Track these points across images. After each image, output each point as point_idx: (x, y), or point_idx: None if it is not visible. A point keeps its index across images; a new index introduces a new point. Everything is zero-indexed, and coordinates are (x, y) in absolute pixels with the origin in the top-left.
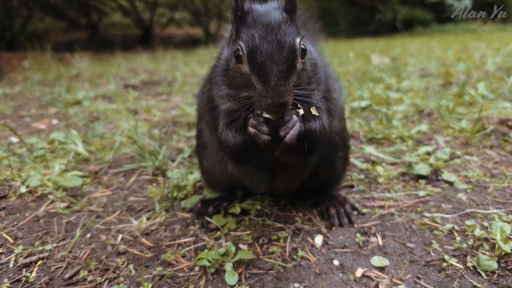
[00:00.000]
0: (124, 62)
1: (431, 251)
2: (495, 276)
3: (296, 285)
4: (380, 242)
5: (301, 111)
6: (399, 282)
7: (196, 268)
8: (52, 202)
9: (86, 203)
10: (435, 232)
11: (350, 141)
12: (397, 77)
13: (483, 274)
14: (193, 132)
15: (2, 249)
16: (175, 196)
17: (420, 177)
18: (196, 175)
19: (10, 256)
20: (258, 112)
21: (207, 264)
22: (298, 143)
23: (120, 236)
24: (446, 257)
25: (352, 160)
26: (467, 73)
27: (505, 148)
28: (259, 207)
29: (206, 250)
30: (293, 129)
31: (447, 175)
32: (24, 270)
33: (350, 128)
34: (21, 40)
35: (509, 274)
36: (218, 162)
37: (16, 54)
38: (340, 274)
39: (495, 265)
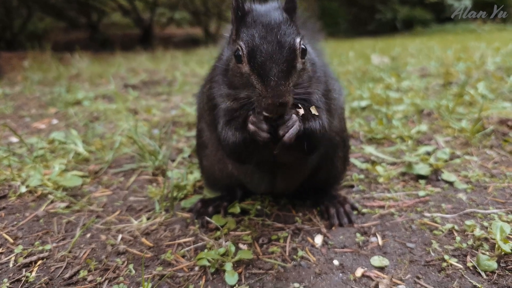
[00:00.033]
0: (124, 62)
1: (431, 251)
2: (495, 276)
3: (296, 285)
4: (380, 242)
5: (301, 111)
6: (399, 282)
7: (196, 268)
8: (52, 202)
9: (86, 203)
10: (435, 232)
11: (350, 141)
12: (397, 77)
13: (483, 274)
14: (193, 132)
15: (2, 249)
16: (175, 196)
17: (420, 177)
18: (196, 175)
19: (10, 256)
20: (259, 111)
21: (207, 264)
22: (297, 142)
23: (120, 236)
24: (446, 257)
25: (352, 160)
26: (467, 73)
27: (505, 148)
28: (259, 207)
29: (206, 250)
30: (292, 129)
31: (447, 175)
32: (24, 270)
33: (350, 128)
34: (21, 40)
35: (509, 274)
36: (218, 162)
37: (16, 54)
38: (340, 274)
39: (495, 265)
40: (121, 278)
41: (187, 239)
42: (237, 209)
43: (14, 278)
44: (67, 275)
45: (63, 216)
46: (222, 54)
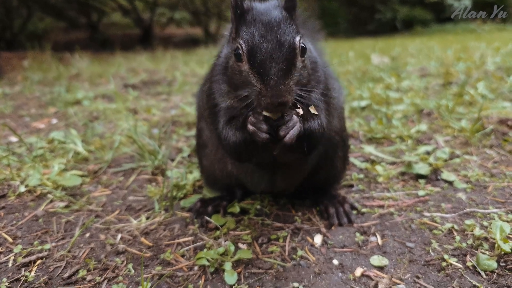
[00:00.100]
0: (123, 61)
1: (430, 251)
2: (494, 276)
3: (296, 284)
4: (380, 242)
5: (301, 111)
6: (398, 281)
7: (195, 268)
8: (51, 201)
9: (85, 203)
10: (435, 231)
11: (350, 141)
12: (397, 77)
13: (482, 273)
14: (193, 132)
15: (1, 249)
16: (175, 195)
17: (419, 176)
18: (196, 174)
19: (9, 256)
20: (258, 110)
21: (206, 263)
22: (297, 142)
23: (119, 236)
24: (446, 256)
25: (352, 159)
26: (466, 73)
27: (505, 148)
28: (258, 207)
29: (205, 250)
30: (293, 130)
31: (446, 175)
32: (23, 269)
33: (349, 127)
34: (21, 40)
35: (509, 273)
36: (217, 161)
37: (16, 54)
38: (340, 274)
39: (495, 265)
40: (120, 278)
41: (186, 239)
42: (236, 209)
43: (13, 278)
44: (66, 275)
45: (62, 216)
46: (221, 52)
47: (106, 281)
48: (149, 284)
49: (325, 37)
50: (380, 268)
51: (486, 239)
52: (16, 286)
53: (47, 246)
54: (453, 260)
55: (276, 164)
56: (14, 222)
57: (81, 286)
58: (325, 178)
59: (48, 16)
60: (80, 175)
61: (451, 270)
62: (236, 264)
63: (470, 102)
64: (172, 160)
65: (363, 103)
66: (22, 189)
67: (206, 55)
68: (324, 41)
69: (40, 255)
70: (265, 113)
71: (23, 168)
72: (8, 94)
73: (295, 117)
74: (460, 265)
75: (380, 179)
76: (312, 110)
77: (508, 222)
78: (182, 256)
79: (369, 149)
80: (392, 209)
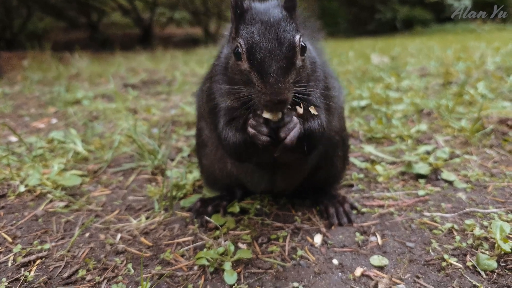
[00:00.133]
0: (123, 61)
1: (430, 251)
2: (494, 275)
3: (295, 284)
4: (380, 241)
5: (300, 110)
6: (398, 281)
7: (195, 267)
8: (51, 201)
9: (85, 202)
10: (435, 231)
11: (350, 140)
12: (397, 77)
13: (482, 273)
14: (193, 131)
15: (1, 248)
16: (174, 195)
17: (419, 176)
18: (195, 174)
19: (8, 255)
20: (258, 112)
21: (206, 263)
22: (297, 143)
23: (119, 235)
24: (446, 256)
25: (352, 159)
26: (466, 73)
27: (505, 148)
28: (258, 206)
29: (205, 249)
30: (293, 131)
31: (446, 174)
32: (22, 269)
33: (349, 127)
34: (20, 40)
35: (509, 273)
36: (217, 161)
37: (16, 54)
38: (340, 274)
39: (495, 264)
40: (120, 278)
41: (186, 239)
42: (236, 209)
43: (12, 278)
44: (65, 275)
45: (62, 216)
46: (221, 52)
47: (105, 281)
48: (149, 284)
49: (325, 37)
50: (380, 268)
51: (486, 239)
52: (16, 286)
53: (47, 246)
54: (453, 260)
55: (276, 164)
56: (14, 221)
57: (81, 286)
58: (325, 178)
59: (48, 16)
60: (80, 175)
61: (451, 270)
62: (236, 264)
63: (470, 102)
64: (172, 159)
65: (363, 103)
66: (22, 188)
67: (206, 55)
68: (324, 41)
69: (40, 255)
70: (265, 115)
71: (22, 168)
72: (8, 94)
73: (295, 118)
74: (460, 265)
75: (380, 179)
76: (312, 110)
77: (508, 222)
78: (182, 256)
79: (369, 148)
80: (392, 209)
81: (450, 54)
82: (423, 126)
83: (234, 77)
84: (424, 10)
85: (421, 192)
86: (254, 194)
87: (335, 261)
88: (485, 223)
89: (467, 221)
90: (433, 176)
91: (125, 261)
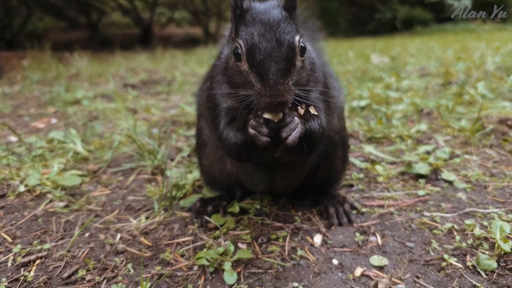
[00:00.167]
0: (123, 61)
1: (430, 251)
2: (494, 276)
3: (295, 284)
4: (380, 241)
5: (302, 111)
6: (398, 281)
7: (195, 267)
8: (50, 201)
9: (85, 202)
10: (435, 231)
11: (350, 140)
12: (397, 77)
13: (482, 273)
14: (192, 131)
15: (1, 248)
16: (174, 195)
17: (419, 176)
18: (195, 174)
19: (8, 255)
20: (259, 113)
21: (206, 263)
22: (298, 143)
23: (118, 235)
24: (446, 256)
25: (352, 159)
26: (466, 73)
27: (505, 148)
28: (258, 206)
29: (205, 249)
30: (295, 131)
31: (446, 174)
32: (22, 269)
33: (349, 127)
34: (20, 39)
35: (509, 273)
36: (217, 161)
37: (16, 53)
38: (339, 274)
39: (495, 264)
40: (119, 278)
41: (186, 239)
42: (236, 209)
43: (12, 278)
44: (65, 275)
45: (62, 216)
46: (221, 52)
47: (105, 281)
48: (149, 284)
49: (325, 37)
50: (380, 268)
51: (486, 239)
52: (15, 286)
53: (47, 245)
54: (453, 260)
55: (275, 164)
56: (14, 221)
57: (80, 286)
58: (325, 178)
59: (48, 16)
60: (80, 174)
61: (451, 270)
62: (236, 264)
63: (470, 102)
64: (172, 159)
65: (363, 103)
66: (22, 188)
67: (206, 55)
68: (324, 41)
69: (40, 254)
70: (265, 115)
71: (22, 167)
72: (8, 94)
73: (296, 118)
74: (460, 265)
75: (380, 179)
76: (312, 110)
77: (508, 222)
78: (182, 256)
79: (369, 148)
80: (392, 209)
81: (450, 54)
82: (423, 126)
83: (234, 77)
84: (424, 10)
85: (421, 192)
86: (254, 194)
87: (335, 261)
88: (485, 223)
89: (467, 221)
90: (433, 176)
91: (125, 261)
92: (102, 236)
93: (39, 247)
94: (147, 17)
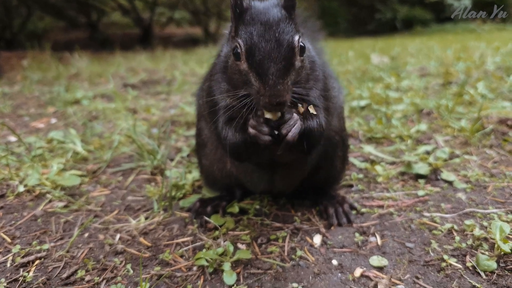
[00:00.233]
0: (123, 61)
1: (430, 251)
2: (494, 276)
3: (295, 285)
4: (379, 242)
5: (301, 109)
6: (398, 282)
7: (194, 268)
8: (50, 201)
9: (84, 203)
10: (434, 231)
11: (349, 140)
12: (397, 77)
13: (482, 274)
14: (192, 131)
15: (0, 249)
16: (174, 195)
17: (419, 176)
18: (195, 174)
19: (7, 256)
20: (258, 113)
21: (205, 263)
22: (297, 141)
23: (118, 236)
24: (445, 257)
25: (351, 159)
26: (466, 73)
27: (505, 148)
28: (257, 207)
29: (204, 250)
30: (294, 128)
31: (446, 175)
32: (21, 269)
33: (349, 127)
34: (20, 39)
35: (509, 274)
36: (217, 161)
37: (15, 53)
38: (339, 274)
39: (495, 265)
40: (119, 278)
41: (185, 239)
42: (235, 209)
43: (11, 278)
44: (64, 275)
45: (61, 216)
46: (221, 51)
47: (104, 281)
48: (148, 285)
49: (325, 37)
50: (380, 269)
51: (485, 239)
52: (15, 287)
53: (46, 246)
54: (452, 261)
55: (275, 164)
56: (13, 222)
57: (80, 286)
58: (325, 178)
59: (48, 16)
60: (79, 175)
61: (450, 271)
62: (235, 264)
63: (470, 102)
64: (171, 160)
65: (363, 103)
66: (21, 189)
67: (206, 55)
68: (324, 41)
69: (39, 255)
70: (266, 116)
71: (22, 167)
72: (7, 94)
73: (295, 115)
74: (459, 266)
75: (380, 179)
76: (311, 109)
77: (508, 222)
78: (181, 256)
79: (369, 149)
80: (391, 209)
81: (450, 54)
82: (423, 126)
83: (233, 76)
84: (424, 10)
85: (420, 193)
86: (253, 194)
87: (334, 262)
88: (485, 223)
89: (467, 222)
90: (432, 176)
91: (124, 262)
92: (101, 237)
93: (38, 247)
94: (147, 17)
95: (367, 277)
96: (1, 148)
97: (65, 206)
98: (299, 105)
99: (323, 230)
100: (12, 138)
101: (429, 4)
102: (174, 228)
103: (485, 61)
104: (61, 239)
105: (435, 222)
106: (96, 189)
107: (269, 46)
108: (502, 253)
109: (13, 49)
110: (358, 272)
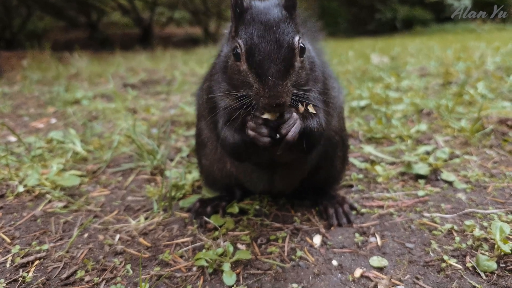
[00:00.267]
0: (123, 61)
1: (430, 251)
2: (494, 277)
3: (295, 285)
4: (379, 242)
5: (301, 108)
6: (398, 282)
7: (194, 268)
8: (49, 201)
9: (84, 203)
10: (434, 232)
11: (349, 141)
12: (397, 77)
13: (482, 274)
14: (192, 132)
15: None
16: (173, 195)
17: (419, 176)
18: (195, 174)
19: (7, 256)
20: (257, 114)
21: (205, 264)
22: (297, 140)
23: (117, 236)
24: (445, 257)
25: (351, 159)
26: (466, 73)
27: (505, 148)
28: (257, 207)
29: (204, 250)
30: (294, 127)
31: (446, 175)
32: (21, 270)
33: (349, 127)
34: (20, 39)
35: (509, 274)
36: (217, 161)
37: (15, 53)
38: (339, 275)
39: (495, 266)
40: (118, 279)
41: (185, 239)
42: (235, 209)
43: (11, 278)
44: (64, 275)
45: (61, 216)
46: (222, 51)
47: (104, 282)
48: (148, 285)
49: (325, 37)
50: (380, 269)
51: (486, 239)
52: (14, 287)
53: (45, 246)
54: (452, 261)
55: (275, 164)
56: (13, 222)
57: (79, 287)
58: (325, 178)
59: (48, 15)
60: (79, 175)
61: (450, 271)
62: (235, 264)
63: (469, 102)
64: (171, 160)
65: (363, 103)
66: (21, 189)
67: (206, 55)
68: (324, 41)
69: (38, 255)
70: (263, 115)
71: (21, 168)
72: (7, 94)
73: (295, 114)
74: (460, 266)
75: (380, 179)
76: (311, 109)
77: (508, 222)
78: (181, 256)
79: (369, 149)
80: (391, 210)
81: (450, 54)
82: (423, 126)
83: (233, 77)
84: (424, 10)
85: (420, 193)
86: (253, 194)
87: (334, 262)
88: (485, 224)
89: (467, 222)
90: (432, 177)
91: (123, 262)
92: (101, 237)
93: (38, 247)
94: (147, 17)
95: (367, 277)
96: (1, 148)
97: (65, 207)
98: (299, 104)
99: (323, 230)
100: (12, 138)
101: (429, 4)
102: (174, 229)
103: (485, 61)
104: (61, 239)
105: (435, 222)
106: (96, 189)
107: (269, 47)
108: (502, 253)
109: (13, 49)
110: (358, 272)
